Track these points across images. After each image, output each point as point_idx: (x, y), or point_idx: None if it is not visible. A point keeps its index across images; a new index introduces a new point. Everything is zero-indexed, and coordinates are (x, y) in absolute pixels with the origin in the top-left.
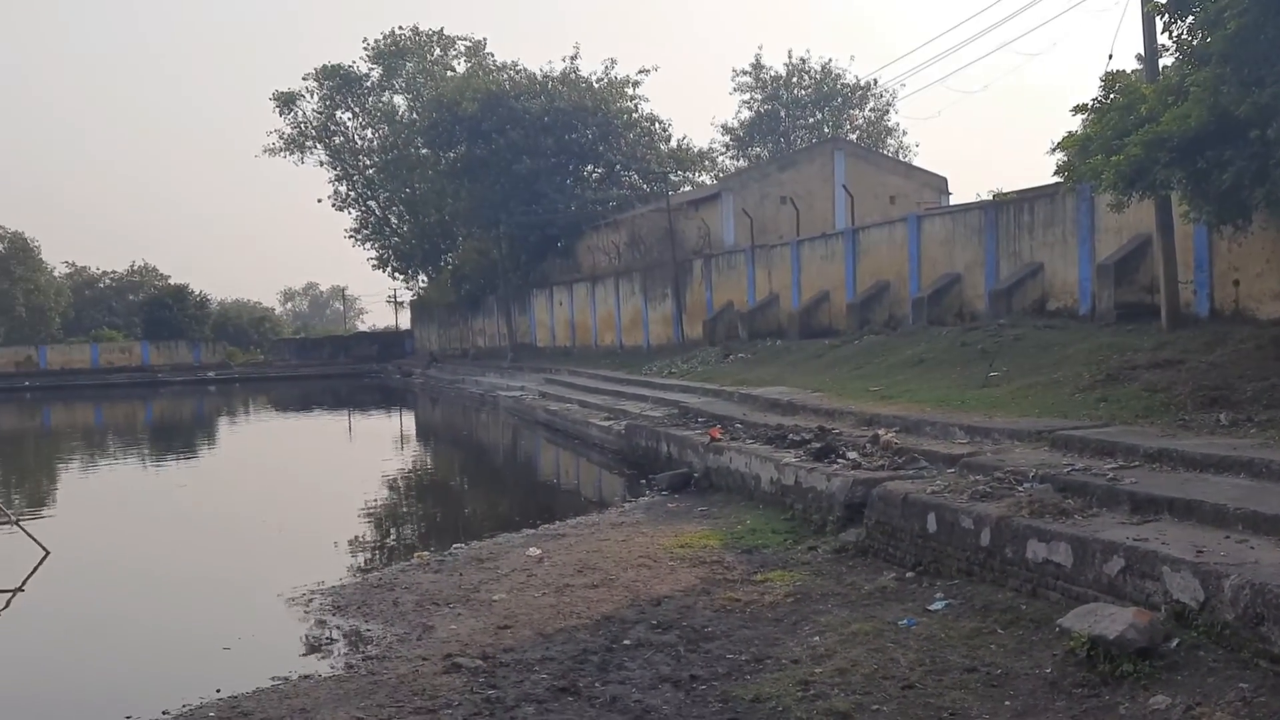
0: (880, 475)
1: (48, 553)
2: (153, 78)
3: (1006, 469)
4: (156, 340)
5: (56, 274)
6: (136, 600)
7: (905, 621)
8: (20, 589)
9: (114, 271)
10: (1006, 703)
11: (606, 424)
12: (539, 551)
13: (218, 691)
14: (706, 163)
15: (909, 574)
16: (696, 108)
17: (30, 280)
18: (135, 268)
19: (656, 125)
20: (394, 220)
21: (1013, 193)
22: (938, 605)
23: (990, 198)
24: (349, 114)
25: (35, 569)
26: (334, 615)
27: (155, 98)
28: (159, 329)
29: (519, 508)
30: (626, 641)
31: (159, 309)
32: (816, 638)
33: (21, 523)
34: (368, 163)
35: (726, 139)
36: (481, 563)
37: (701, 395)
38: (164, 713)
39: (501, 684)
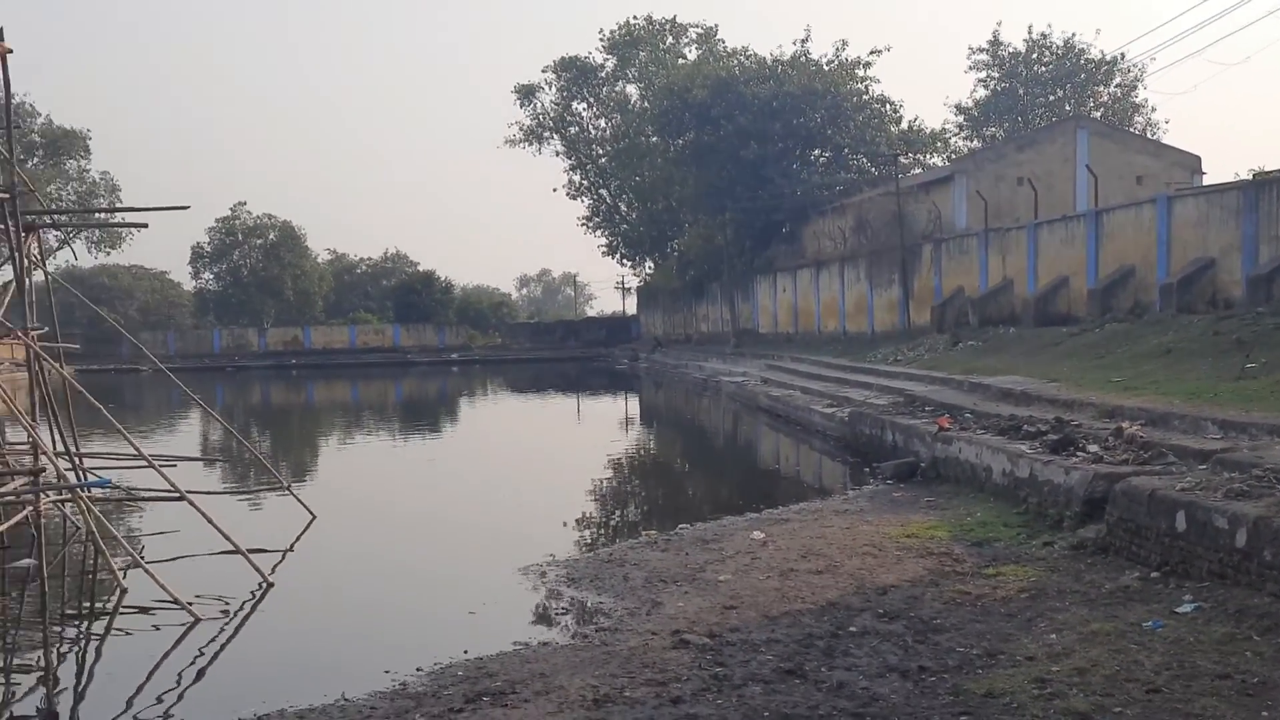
0: (1123, 470)
1: (314, 517)
2: (406, 77)
3: (1266, 466)
4: (406, 323)
5: (320, 260)
6: (392, 563)
7: (1150, 623)
8: (290, 549)
9: (369, 258)
10: (1264, 714)
11: (829, 411)
12: (762, 535)
13: (465, 653)
14: (938, 144)
15: (1154, 574)
16: (929, 88)
17: (298, 266)
18: (388, 255)
19: (887, 107)
20: (623, 208)
21: (1276, 171)
22: (1186, 608)
23: (1250, 177)
24: (584, 104)
25: (303, 531)
26: (568, 587)
27: (409, 95)
28: (409, 312)
29: (741, 491)
30: (852, 628)
31: (409, 294)
32: (1053, 635)
33: (292, 488)
34: (600, 152)
35: (960, 119)
36: (706, 544)
37: (928, 383)
38: (418, 669)
39: (728, 662)
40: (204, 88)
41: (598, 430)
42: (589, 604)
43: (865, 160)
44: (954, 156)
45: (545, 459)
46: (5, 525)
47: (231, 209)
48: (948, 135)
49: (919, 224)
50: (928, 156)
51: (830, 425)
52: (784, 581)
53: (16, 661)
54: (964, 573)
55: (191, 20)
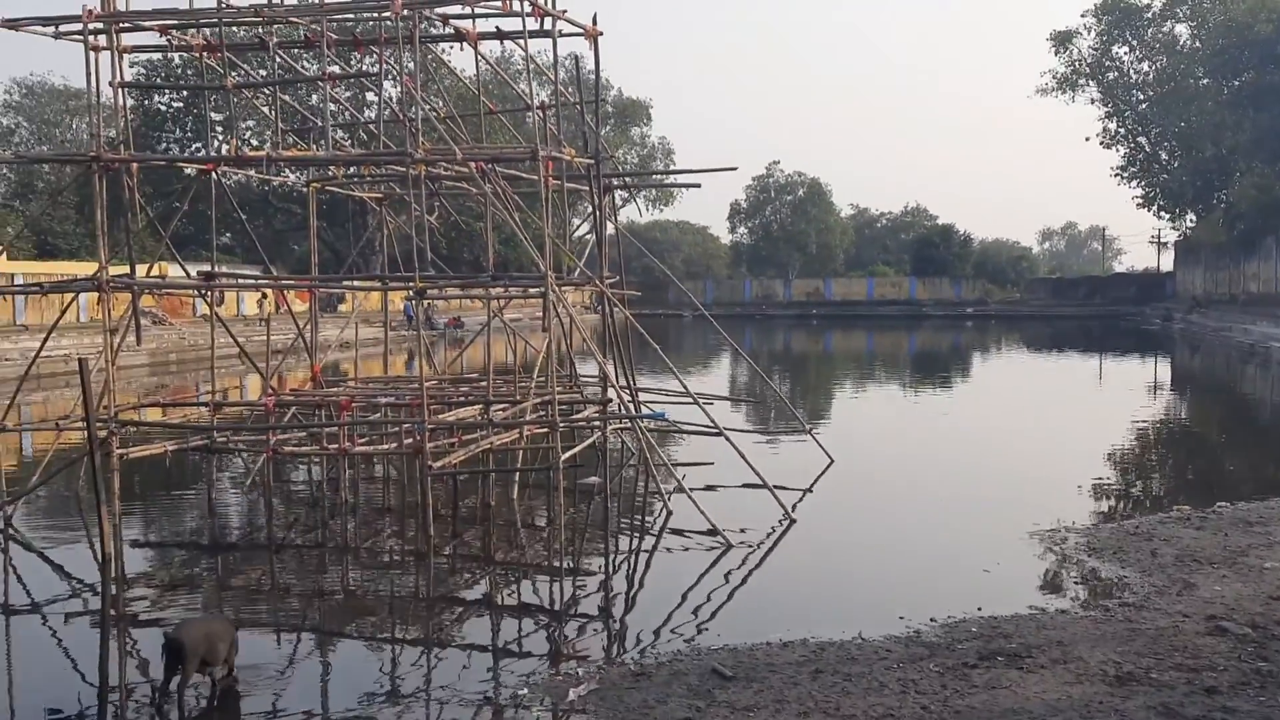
0: None
1: (832, 460)
2: (927, 34)
3: None
4: (923, 276)
5: (843, 215)
6: (904, 512)
7: None
8: (810, 490)
9: (889, 212)
10: None
11: None
12: None
13: (979, 609)
14: None
15: None
16: None
17: (822, 220)
18: (907, 209)
19: None
20: (1164, 156)
21: None
22: None
23: None
24: (1125, 48)
25: (822, 474)
26: (1088, 556)
27: (929, 50)
28: (925, 266)
29: None
30: None
31: (926, 247)
32: None
33: (813, 432)
34: (1140, 97)
35: None
36: (1249, 526)
37: None
38: (931, 619)
39: (1273, 657)
40: (746, 56)
41: (1121, 394)
42: (1110, 576)
43: None
44: None
45: (1061, 419)
46: (579, 447)
47: (766, 168)
48: None
49: None
50: None
51: None
52: None
53: (583, 563)
54: None
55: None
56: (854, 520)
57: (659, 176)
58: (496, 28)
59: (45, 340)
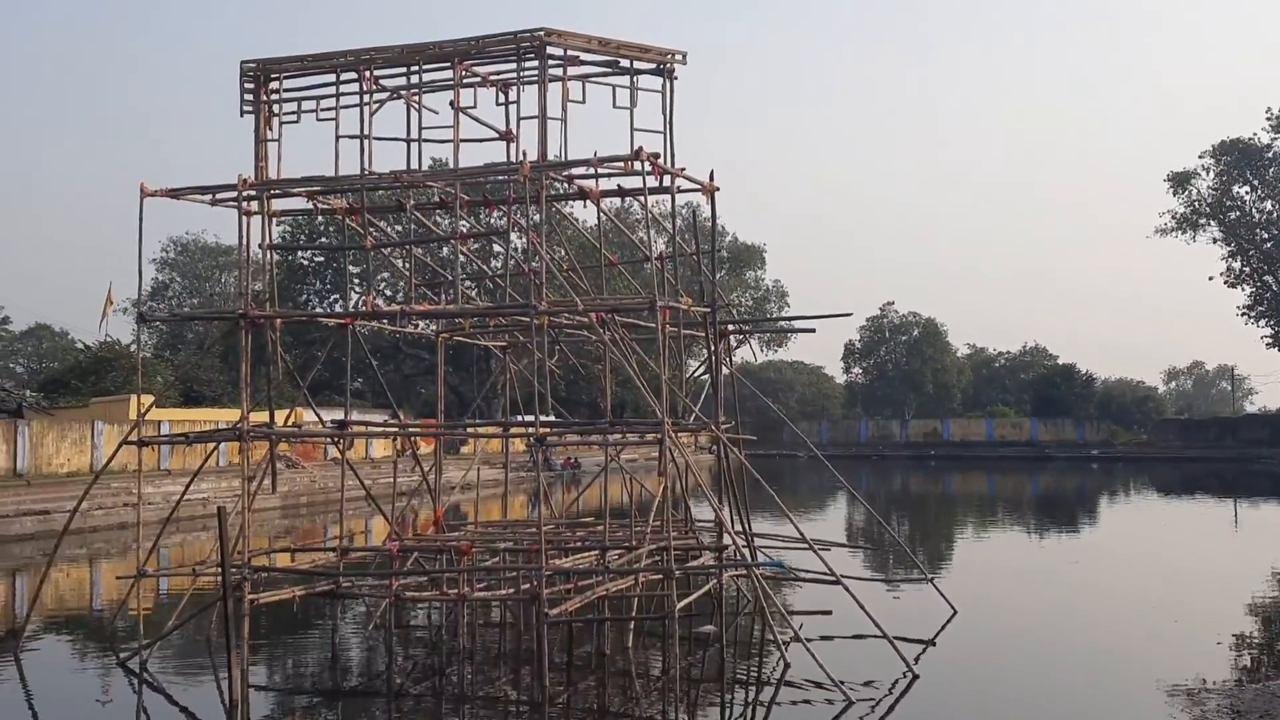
0: None
1: (955, 611)
2: (1041, 174)
3: None
4: (1044, 417)
5: (959, 354)
6: (1032, 666)
7: None
8: (932, 642)
9: (1007, 352)
10: None
11: None
12: None
13: None
14: None
15: None
16: None
17: (938, 360)
18: (1026, 348)
19: None
20: None
21: None
22: None
23: None
24: (1246, 187)
25: (944, 625)
26: None
27: (1043, 190)
28: (1046, 406)
29: None
30: None
31: (1047, 387)
32: None
33: (933, 580)
34: (1265, 236)
35: None
36: None
37: None
38: None
39: None
40: (854, 199)
41: (1260, 541)
42: None
43: None
44: None
45: (1196, 568)
46: (694, 595)
47: (880, 308)
48: None
49: None
50: None
51: None
52: None
53: (699, 715)
54: None
55: (842, 144)
56: (979, 676)
57: (779, 323)
58: (618, 186)
59: (187, 487)
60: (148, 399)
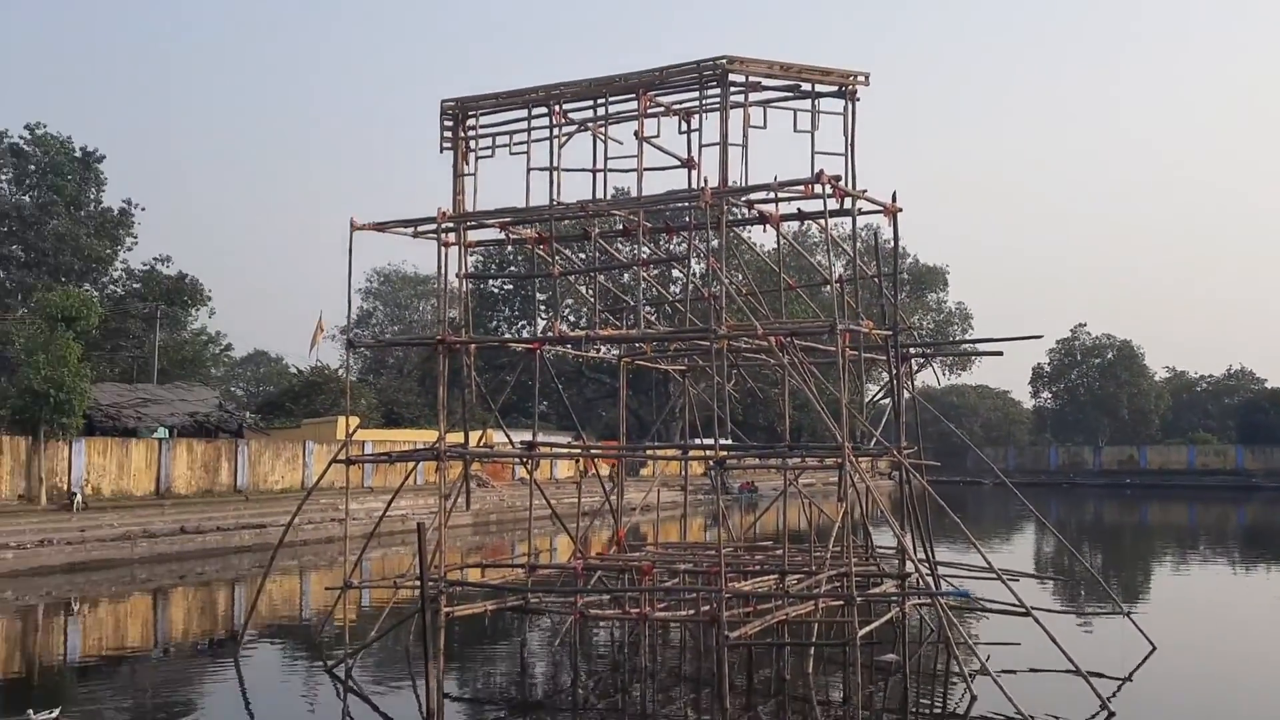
0: None
1: (1154, 647)
2: (1234, 194)
3: None
4: (1251, 444)
5: (1157, 378)
6: (1235, 709)
7: None
8: (1128, 679)
9: (1210, 376)
10: None
11: None
12: None
13: None
14: None
15: None
16: None
17: (1134, 384)
18: (1230, 372)
19: None
20: None
21: None
22: None
23: None
24: None
25: (1142, 662)
26: None
27: (1238, 207)
28: (1254, 433)
29: None
30: None
31: (1254, 413)
32: None
33: (1130, 614)
34: None
35: None
36: None
37: None
38: None
39: None
40: (1043, 217)
41: None
42: None
43: None
44: None
45: None
46: (876, 623)
47: (1072, 330)
48: None
49: None
50: None
51: None
52: None
53: None
54: None
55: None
56: (1179, 717)
57: (963, 345)
58: (798, 209)
59: (390, 503)
60: (354, 420)
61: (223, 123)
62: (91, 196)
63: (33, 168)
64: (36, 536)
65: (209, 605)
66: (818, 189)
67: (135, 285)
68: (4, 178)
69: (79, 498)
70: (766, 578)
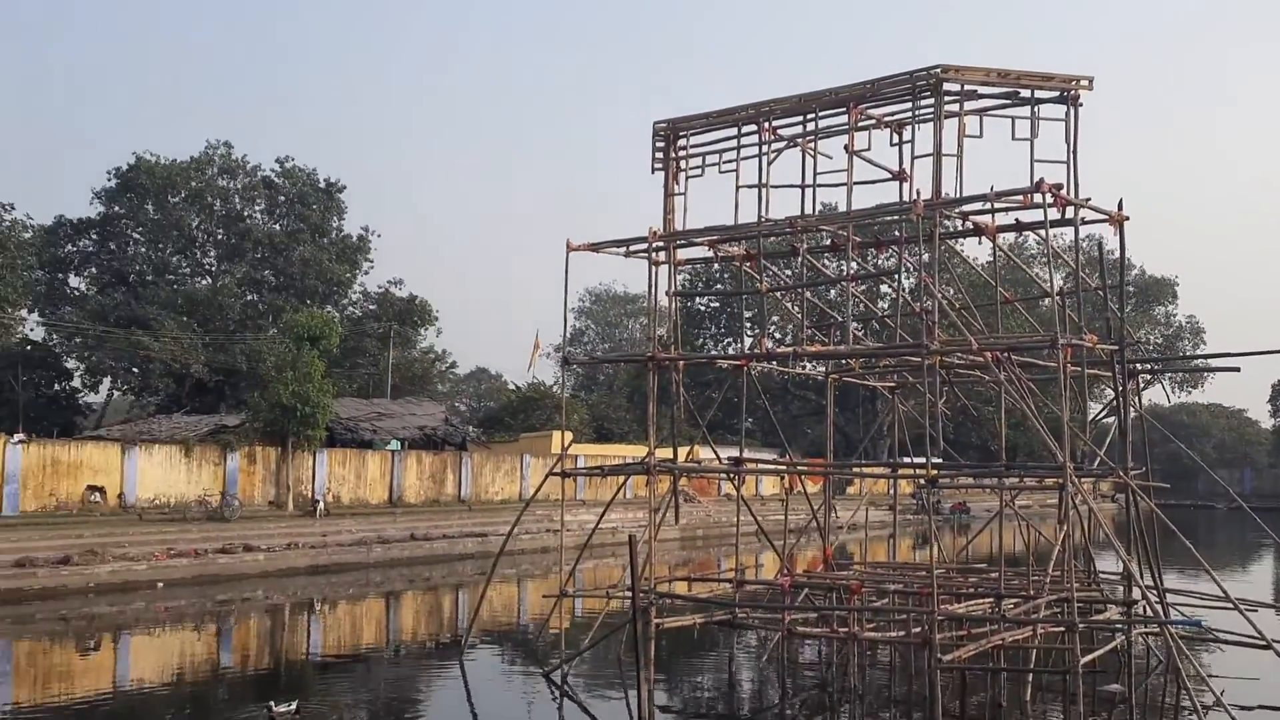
0: None
1: None
2: None
3: None
4: None
5: None
6: None
7: None
8: None
9: None
10: None
11: None
12: None
13: None
14: None
15: None
16: None
17: None
18: None
19: None
20: None
21: None
22: None
23: None
24: None
25: None
26: None
27: None
28: None
29: None
30: None
31: None
32: None
33: None
34: None
35: None
36: None
37: None
38: None
39: None
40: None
41: None
42: None
43: None
44: None
45: None
46: (1099, 651)
47: None
48: None
49: None
50: None
51: None
52: None
53: None
54: None
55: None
56: None
57: (1197, 360)
58: (1016, 220)
59: (602, 515)
60: (568, 435)
61: (447, 153)
62: (334, 224)
63: (282, 198)
64: (284, 540)
65: (435, 609)
66: (1037, 198)
67: (371, 307)
68: (258, 209)
69: (321, 504)
70: (981, 601)
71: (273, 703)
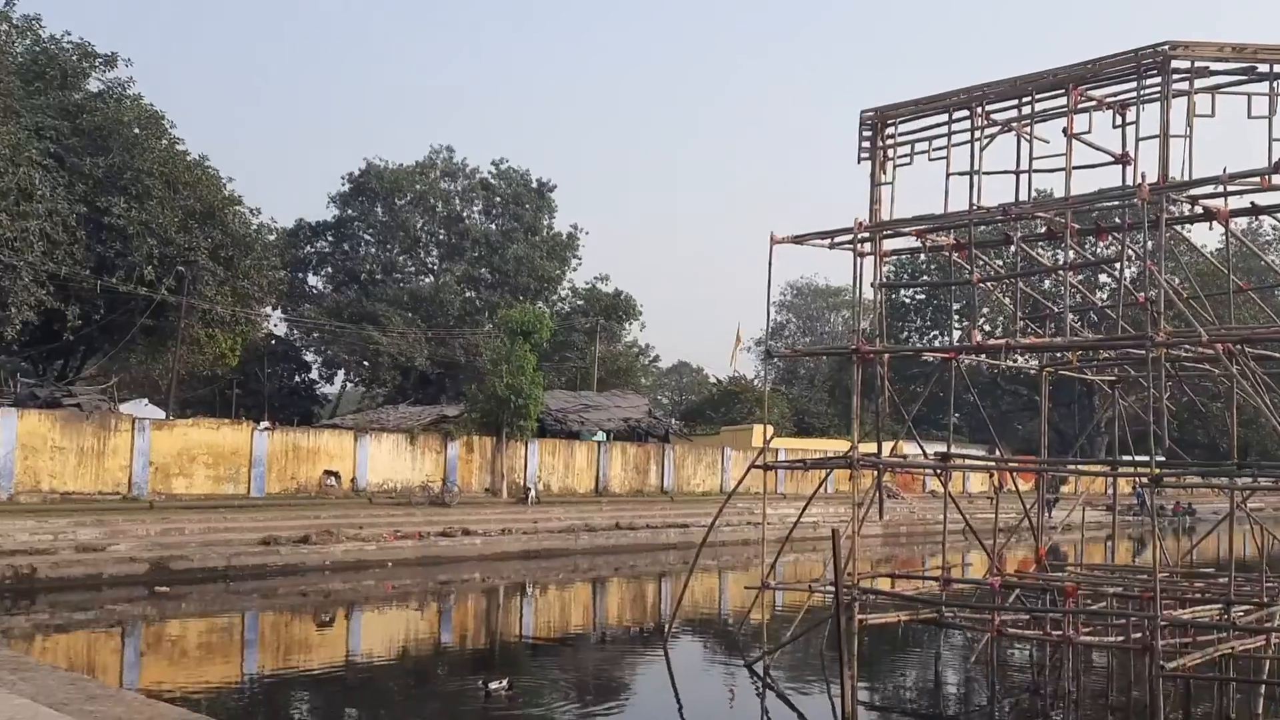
0: None
1: None
2: None
3: None
4: None
5: None
6: None
7: None
8: None
9: None
10: None
11: None
12: None
13: None
14: None
15: None
16: None
17: None
18: None
19: None
20: None
21: None
22: None
23: None
24: None
25: None
26: None
27: None
28: None
29: None
30: None
31: None
32: None
33: None
34: None
35: None
36: None
37: None
38: None
39: None
40: None
41: None
42: None
43: None
44: None
45: None
46: None
47: None
48: None
49: None
50: None
51: None
52: None
53: None
54: None
55: None
56: None
57: None
58: (1251, 203)
59: (804, 509)
60: (769, 428)
61: (651, 150)
62: (545, 223)
63: (498, 199)
64: (499, 526)
65: (639, 596)
66: (1276, 180)
67: (579, 302)
68: (476, 209)
69: (533, 492)
70: (1208, 607)
71: (487, 679)
